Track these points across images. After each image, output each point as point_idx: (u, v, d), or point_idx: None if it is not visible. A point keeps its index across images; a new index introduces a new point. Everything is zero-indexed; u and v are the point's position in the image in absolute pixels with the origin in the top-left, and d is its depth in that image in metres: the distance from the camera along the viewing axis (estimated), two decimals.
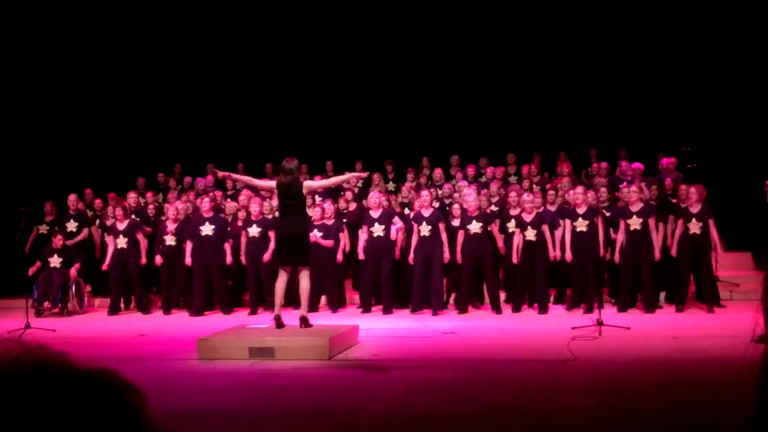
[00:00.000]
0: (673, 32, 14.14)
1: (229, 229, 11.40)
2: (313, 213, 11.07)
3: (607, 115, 14.48)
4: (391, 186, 13.88)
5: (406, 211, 11.75)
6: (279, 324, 8.07)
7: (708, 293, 10.17)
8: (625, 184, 11.16)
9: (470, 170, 13.65)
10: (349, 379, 6.72)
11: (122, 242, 11.51)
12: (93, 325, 10.49)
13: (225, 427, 5.25)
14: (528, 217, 10.56)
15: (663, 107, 14.31)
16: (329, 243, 11.02)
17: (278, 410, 5.61)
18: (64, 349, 0.92)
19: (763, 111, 13.03)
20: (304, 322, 8.15)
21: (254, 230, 11.17)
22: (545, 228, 10.52)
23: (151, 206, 12.59)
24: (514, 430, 5.12)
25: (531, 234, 10.48)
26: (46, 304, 11.42)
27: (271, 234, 10.90)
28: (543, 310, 10.40)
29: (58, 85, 14.70)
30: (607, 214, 10.59)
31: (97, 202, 13.05)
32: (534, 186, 12.39)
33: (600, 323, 8.33)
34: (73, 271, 11.66)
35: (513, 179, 13.58)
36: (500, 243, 10.74)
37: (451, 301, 11.17)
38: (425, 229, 10.65)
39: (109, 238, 11.75)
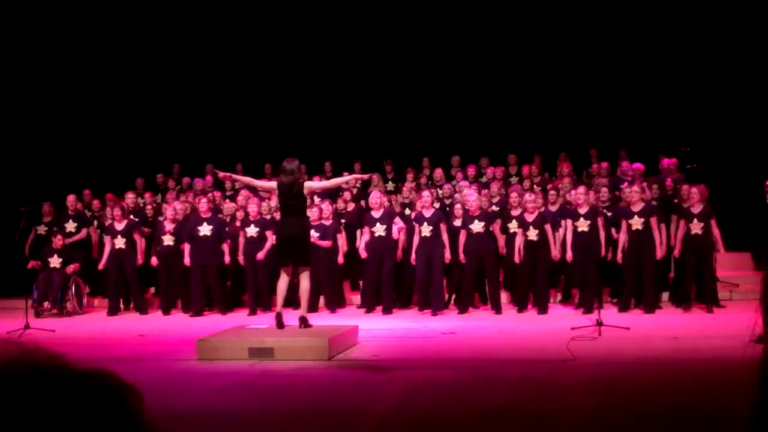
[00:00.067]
0: (673, 32, 14.14)
1: (227, 229, 11.40)
2: (311, 213, 11.05)
3: (608, 115, 14.49)
4: (390, 186, 13.88)
5: (407, 211, 11.75)
6: (279, 322, 8.07)
7: (708, 293, 10.18)
8: (626, 184, 11.16)
9: (471, 170, 13.64)
10: (349, 379, 6.72)
11: (120, 242, 11.51)
12: (92, 326, 10.48)
13: (224, 427, 5.25)
14: (530, 217, 10.55)
15: (663, 108, 14.32)
16: (327, 243, 11.02)
17: (278, 410, 5.61)
18: (64, 350, 0.92)
19: (763, 111, 13.03)
20: (304, 322, 8.15)
21: (252, 230, 11.17)
22: (548, 228, 10.52)
23: (149, 207, 12.59)
24: (514, 430, 5.13)
25: (533, 234, 10.47)
26: (46, 304, 11.41)
27: (268, 234, 10.91)
28: (543, 310, 10.41)
29: (58, 86, 14.70)
30: (609, 214, 10.60)
31: (95, 203, 13.04)
32: (534, 186, 12.40)
33: (600, 323, 8.34)
34: (69, 268, 11.63)
35: (514, 179, 13.58)
36: (501, 243, 10.76)
37: (452, 301, 11.18)
38: (426, 230, 10.64)
39: (106, 239, 11.75)
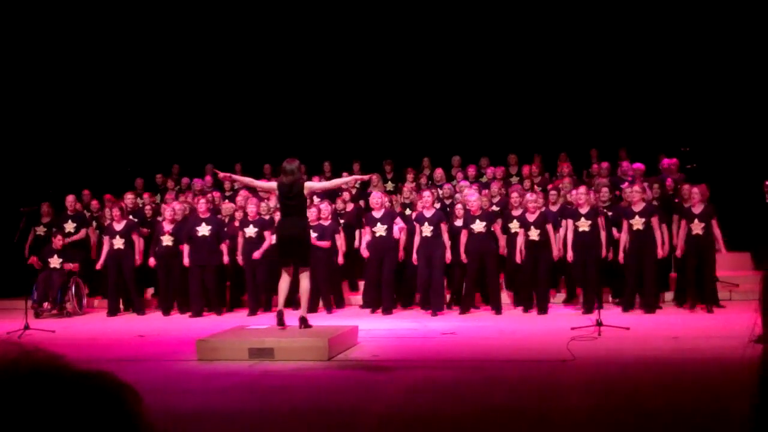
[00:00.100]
0: (673, 32, 14.14)
1: (225, 229, 11.40)
2: (309, 213, 11.05)
3: (608, 115, 14.49)
4: (389, 186, 13.88)
5: (408, 211, 11.75)
6: (281, 319, 8.07)
7: (708, 293, 10.18)
8: (626, 184, 11.17)
9: (471, 170, 13.65)
10: (349, 379, 6.72)
11: (119, 243, 11.50)
12: (92, 326, 10.48)
13: (224, 427, 5.25)
14: (532, 217, 10.55)
15: (663, 108, 14.32)
16: (325, 244, 11.01)
17: (278, 411, 5.61)
18: (64, 351, 0.92)
19: (763, 111, 13.03)
20: (304, 322, 8.15)
21: (251, 231, 11.16)
22: (549, 227, 10.52)
23: (148, 207, 12.59)
24: (513, 430, 5.12)
25: (534, 234, 10.47)
26: (46, 305, 11.41)
27: (267, 234, 10.91)
28: (543, 310, 10.40)
29: (57, 86, 14.70)
30: (609, 214, 10.60)
31: (94, 203, 13.04)
32: (535, 186, 12.40)
33: (599, 323, 8.33)
34: (68, 266, 11.62)
35: (514, 179, 13.58)
36: (502, 243, 10.76)
37: (452, 301, 11.18)
38: (427, 230, 10.64)
39: (105, 239, 11.74)
